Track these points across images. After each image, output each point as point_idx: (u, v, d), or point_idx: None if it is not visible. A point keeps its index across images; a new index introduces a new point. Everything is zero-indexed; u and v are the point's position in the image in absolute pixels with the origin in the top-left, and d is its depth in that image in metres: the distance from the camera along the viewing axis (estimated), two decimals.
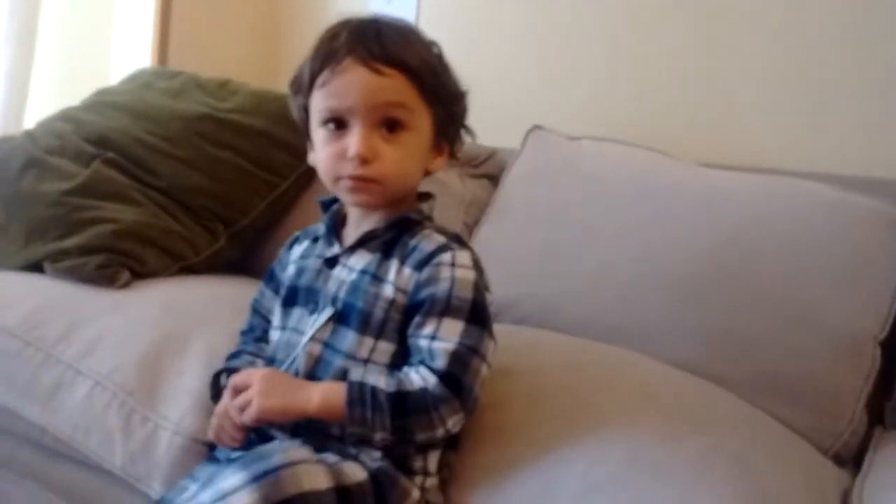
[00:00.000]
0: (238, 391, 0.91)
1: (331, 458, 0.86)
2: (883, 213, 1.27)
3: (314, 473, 0.80)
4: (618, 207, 1.38)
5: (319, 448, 0.87)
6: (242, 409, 0.89)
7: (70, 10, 1.97)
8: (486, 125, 1.60)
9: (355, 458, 0.87)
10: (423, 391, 0.84)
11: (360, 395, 0.84)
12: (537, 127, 1.63)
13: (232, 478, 0.78)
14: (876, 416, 1.23)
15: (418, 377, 0.86)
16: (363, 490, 0.84)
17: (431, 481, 0.90)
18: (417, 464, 0.89)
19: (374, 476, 0.85)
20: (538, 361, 1.11)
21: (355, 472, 0.84)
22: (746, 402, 1.13)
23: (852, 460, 1.16)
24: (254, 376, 0.90)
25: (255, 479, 0.77)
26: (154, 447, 1.05)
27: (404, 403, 0.84)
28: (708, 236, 1.29)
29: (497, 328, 1.22)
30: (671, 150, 1.50)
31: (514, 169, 1.59)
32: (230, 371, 1.02)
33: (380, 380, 0.86)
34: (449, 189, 1.60)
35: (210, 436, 0.97)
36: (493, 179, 1.66)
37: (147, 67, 1.89)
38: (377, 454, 0.87)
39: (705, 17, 1.68)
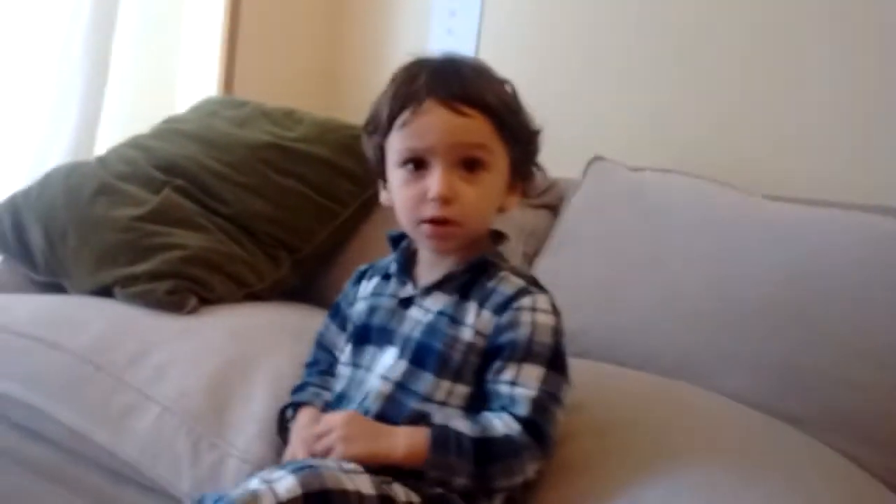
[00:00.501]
0: (319, 437, 0.89)
1: (385, 478, 0.84)
2: None
3: (359, 480, 0.80)
4: (682, 239, 1.37)
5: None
6: (324, 450, 0.87)
7: (139, 39, 2.02)
8: (545, 155, 1.61)
9: (414, 486, 0.85)
10: (508, 438, 0.84)
11: (444, 438, 0.84)
12: (598, 157, 1.62)
13: (279, 471, 0.79)
14: None
15: (502, 424, 0.85)
16: None
17: None
18: (482, 500, 0.87)
19: (431, 500, 0.84)
20: (604, 395, 1.09)
21: (408, 495, 0.83)
22: (818, 440, 1.10)
23: None
24: (334, 421, 0.88)
25: (297, 470, 0.78)
26: (221, 474, 1.05)
27: (489, 450, 0.84)
28: (774, 269, 1.26)
29: None
30: (734, 181, 1.48)
31: (575, 199, 1.58)
32: (297, 405, 1.02)
33: (462, 423, 0.85)
34: (509, 219, 1.57)
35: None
36: (553, 210, 1.65)
37: (214, 96, 1.93)
38: (438, 487, 0.86)
39: (772, 44, 1.66)
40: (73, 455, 1.22)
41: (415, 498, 0.84)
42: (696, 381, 1.19)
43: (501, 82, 0.96)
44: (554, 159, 1.67)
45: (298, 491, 0.75)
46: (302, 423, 0.98)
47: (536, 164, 1.01)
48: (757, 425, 1.09)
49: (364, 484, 0.80)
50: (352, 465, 0.83)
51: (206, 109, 1.73)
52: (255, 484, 0.77)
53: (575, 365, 1.24)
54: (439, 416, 0.87)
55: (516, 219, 1.61)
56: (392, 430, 0.87)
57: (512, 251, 1.54)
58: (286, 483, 0.76)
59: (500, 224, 1.55)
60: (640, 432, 0.99)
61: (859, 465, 1.10)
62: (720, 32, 1.72)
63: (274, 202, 1.52)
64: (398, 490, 0.83)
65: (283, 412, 1.05)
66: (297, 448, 0.94)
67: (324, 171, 1.55)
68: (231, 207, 1.49)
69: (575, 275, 1.43)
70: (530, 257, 1.57)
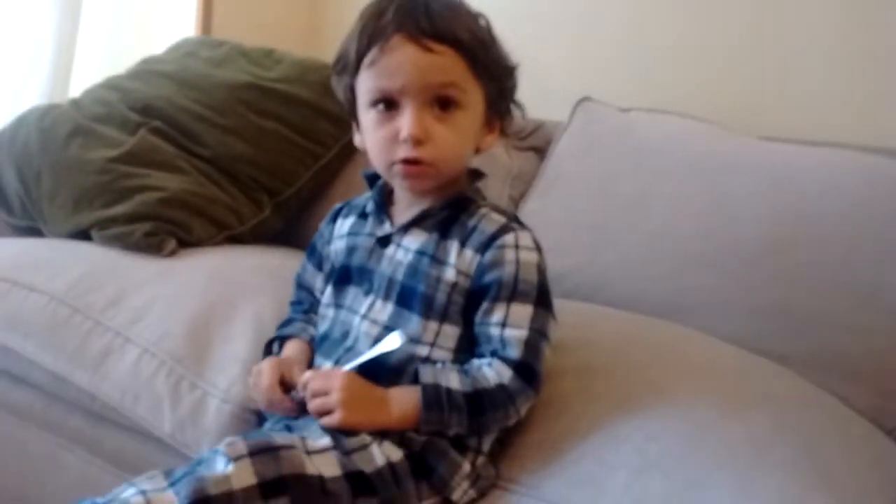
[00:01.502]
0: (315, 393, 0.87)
1: (362, 439, 0.83)
2: None
3: (323, 461, 0.79)
4: (671, 180, 1.35)
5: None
6: (322, 410, 0.85)
7: None
8: (532, 97, 1.58)
9: (398, 440, 0.84)
10: (500, 387, 0.84)
11: (436, 398, 0.83)
12: (586, 98, 1.59)
13: (236, 445, 0.78)
14: None
15: (492, 372, 0.84)
16: (392, 471, 0.82)
17: (482, 459, 0.88)
18: (471, 442, 0.87)
19: (420, 452, 0.84)
20: (588, 336, 1.08)
21: (388, 453, 0.82)
22: (806, 380, 1.10)
23: None
24: (334, 381, 0.85)
25: (255, 453, 0.77)
26: (202, 414, 1.04)
27: (482, 401, 0.84)
28: (766, 210, 1.25)
29: None
30: (728, 123, 1.46)
31: (563, 141, 1.55)
32: (282, 338, 1.01)
33: (452, 378, 0.84)
34: (495, 162, 1.57)
35: (262, 407, 0.95)
36: (540, 152, 1.63)
37: (191, 37, 1.88)
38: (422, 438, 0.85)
39: None
40: (55, 398, 1.22)
41: (395, 454, 0.83)
42: (684, 321, 1.18)
43: (474, 16, 0.92)
44: (540, 101, 1.66)
45: (253, 480, 0.75)
46: (283, 357, 0.97)
47: (514, 102, 0.97)
48: (746, 364, 1.09)
49: (328, 465, 0.79)
50: (319, 444, 0.81)
51: (183, 50, 1.69)
52: (205, 469, 0.76)
53: (561, 305, 1.23)
54: (427, 372, 0.85)
55: (503, 161, 1.59)
56: (386, 398, 0.85)
57: (496, 192, 1.53)
58: (241, 472, 0.75)
59: (486, 167, 1.54)
60: (624, 371, 0.98)
61: (847, 404, 1.10)
62: None
63: (254, 144, 1.49)
64: (375, 452, 0.82)
65: (268, 347, 1.03)
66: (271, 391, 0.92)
67: (304, 112, 1.52)
68: (210, 149, 1.47)
69: (562, 216, 1.42)
70: (517, 200, 1.55)
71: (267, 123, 1.51)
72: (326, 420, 0.84)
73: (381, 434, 0.84)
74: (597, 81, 1.73)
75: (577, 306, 1.24)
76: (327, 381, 0.85)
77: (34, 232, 1.46)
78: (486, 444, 0.88)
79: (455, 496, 0.85)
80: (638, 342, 1.07)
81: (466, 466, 0.86)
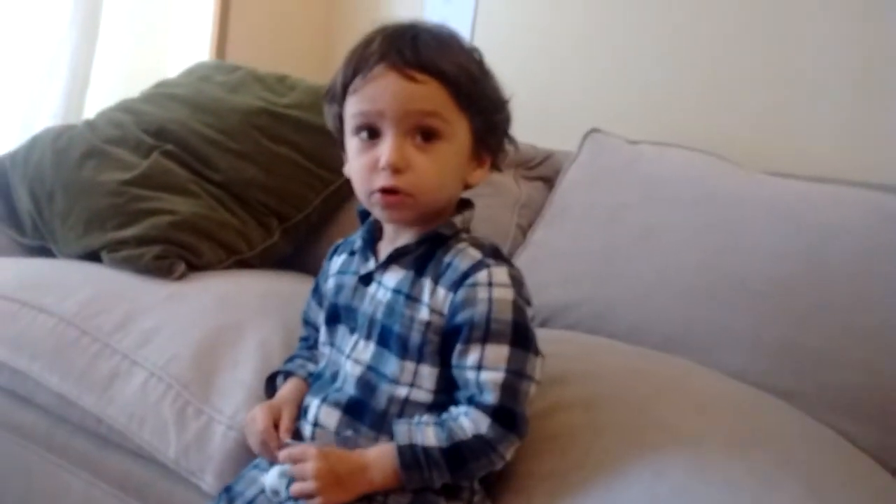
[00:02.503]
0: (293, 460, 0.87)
1: None
2: None
3: None
4: (678, 213, 1.35)
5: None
6: (302, 496, 0.84)
7: (131, 2, 1.99)
8: (542, 127, 1.60)
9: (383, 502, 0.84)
10: (478, 438, 0.82)
11: (413, 459, 0.82)
12: (595, 130, 1.60)
13: None
14: None
15: (469, 422, 0.82)
16: None
17: (478, 497, 0.88)
18: (463, 482, 0.86)
19: None
20: (594, 369, 1.08)
21: None
22: (811, 417, 1.10)
23: None
24: (308, 467, 0.84)
25: None
26: (208, 440, 1.04)
27: (461, 454, 0.82)
28: (772, 246, 1.25)
29: (551, 334, 1.21)
30: (732, 155, 1.46)
31: (571, 171, 1.56)
32: (286, 374, 1.02)
33: (428, 434, 0.83)
34: (503, 190, 1.59)
35: (255, 451, 0.96)
36: (549, 182, 1.64)
37: (206, 61, 1.90)
38: (409, 493, 0.85)
39: (774, 17, 1.64)
40: (60, 420, 1.22)
41: None
42: (689, 356, 1.18)
43: (467, 50, 0.91)
44: (550, 131, 1.68)
45: None
46: (276, 401, 0.98)
47: (508, 136, 0.96)
48: (748, 400, 1.08)
49: None
50: None
51: (197, 74, 1.71)
52: None
53: (567, 337, 1.25)
54: (402, 431, 0.84)
55: (511, 190, 1.60)
56: (364, 464, 0.84)
57: (505, 220, 1.54)
58: None
59: (495, 196, 1.56)
60: (629, 406, 0.98)
61: (852, 442, 1.09)
62: (717, 6, 1.69)
63: (265, 169, 1.50)
64: None
65: (272, 380, 1.04)
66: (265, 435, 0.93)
67: (317, 138, 1.53)
68: (222, 174, 1.48)
69: (569, 247, 1.42)
70: (524, 229, 1.56)
71: (279, 149, 1.52)
72: None
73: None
74: (606, 113, 1.75)
75: (583, 338, 1.25)
76: (304, 467, 0.84)
77: (45, 252, 1.47)
78: (478, 480, 0.88)
79: None
80: (644, 376, 1.07)
81: None
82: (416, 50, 0.86)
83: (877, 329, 1.16)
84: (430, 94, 0.86)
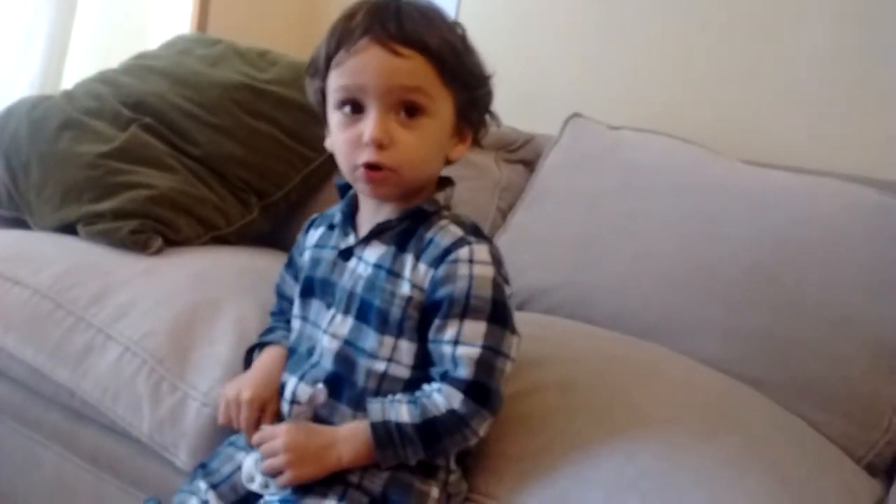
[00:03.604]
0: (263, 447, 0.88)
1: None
2: None
3: None
4: (657, 200, 1.36)
5: (324, 486, 0.85)
6: (273, 471, 0.85)
7: None
8: (524, 111, 1.59)
9: (357, 486, 0.85)
10: (451, 413, 0.82)
11: (387, 435, 0.83)
12: (577, 115, 1.60)
13: None
14: None
15: (442, 398, 0.83)
16: None
17: (454, 476, 0.89)
18: (439, 461, 0.87)
19: (382, 493, 0.84)
20: (571, 353, 1.09)
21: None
22: (780, 405, 1.11)
23: (885, 471, 1.14)
24: (277, 443, 0.85)
25: None
26: (182, 417, 1.04)
27: (434, 430, 0.82)
28: (748, 235, 1.26)
29: (530, 318, 1.22)
30: (712, 143, 1.47)
31: (552, 156, 1.57)
32: (262, 346, 1.01)
33: (402, 410, 0.83)
34: (484, 173, 1.59)
35: (221, 421, 0.96)
36: (530, 165, 1.64)
37: (186, 34, 1.88)
38: (385, 473, 0.85)
39: (755, 7, 1.65)
40: (33, 393, 1.21)
41: (362, 499, 0.84)
42: (665, 342, 1.20)
43: (448, 24, 0.91)
44: (532, 115, 1.67)
45: None
46: (262, 364, 0.98)
47: (490, 112, 0.95)
48: (720, 388, 1.10)
49: None
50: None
51: (178, 47, 1.68)
52: None
53: (545, 321, 1.25)
54: (375, 408, 0.84)
55: (492, 173, 1.60)
56: (334, 440, 0.85)
57: (485, 202, 1.54)
58: None
59: (476, 178, 1.56)
60: (604, 390, 0.99)
61: (819, 431, 1.11)
62: None
63: (245, 145, 1.49)
64: None
65: (249, 354, 1.03)
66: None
67: (298, 115, 1.52)
68: (201, 148, 1.46)
69: (548, 231, 1.43)
70: (504, 212, 1.56)
71: (259, 125, 1.51)
72: (280, 481, 0.85)
73: (343, 488, 0.84)
74: (588, 98, 1.75)
75: (561, 322, 1.26)
76: (273, 443, 0.86)
77: (20, 224, 1.45)
78: (453, 458, 0.88)
79: None
80: (619, 361, 1.08)
81: (435, 492, 0.86)
82: (400, 23, 0.85)
83: (847, 319, 1.18)
84: (414, 69, 0.85)
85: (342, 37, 0.86)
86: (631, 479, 0.85)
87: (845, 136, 1.56)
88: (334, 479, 0.84)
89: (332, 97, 0.89)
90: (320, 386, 0.89)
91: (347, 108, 0.88)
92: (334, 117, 0.90)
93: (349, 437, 0.85)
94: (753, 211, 1.29)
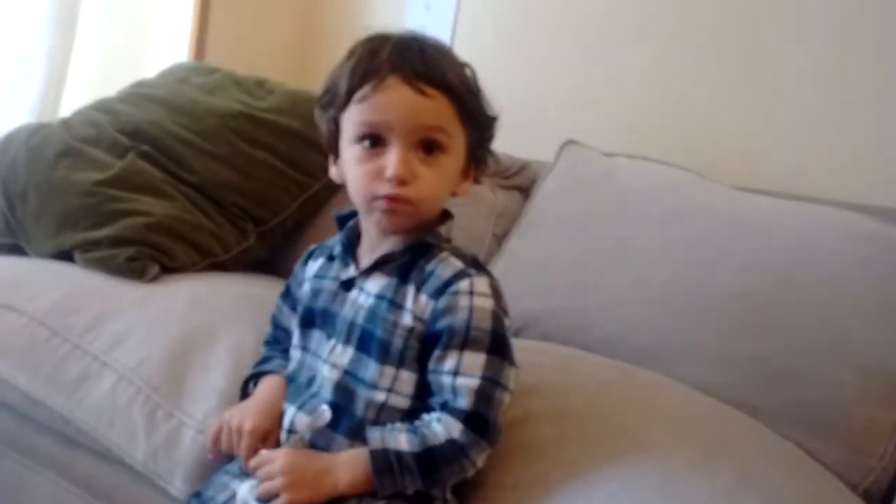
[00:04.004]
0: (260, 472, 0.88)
1: None
2: None
3: None
4: (652, 226, 1.37)
5: None
6: (269, 495, 0.85)
7: (110, 1, 1.98)
8: (519, 137, 1.60)
9: None
10: (451, 442, 0.83)
11: (385, 463, 0.83)
12: (571, 141, 1.62)
13: None
14: None
15: (441, 428, 0.83)
16: None
17: None
18: (435, 492, 0.87)
19: None
20: (566, 380, 1.09)
21: None
22: (775, 431, 1.11)
23: (881, 498, 1.14)
24: (275, 466, 0.86)
25: None
26: (177, 445, 1.04)
27: (433, 459, 0.83)
28: (742, 261, 1.27)
29: (525, 344, 1.22)
30: (705, 168, 1.49)
31: (547, 182, 1.57)
32: (258, 376, 1.01)
33: (401, 439, 0.84)
34: (479, 199, 1.59)
35: (211, 447, 0.97)
36: (525, 192, 1.65)
37: (184, 62, 1.89)
38: (380, 503, 0.85)
39: (747, 34, 1.66)
40: (28, 420, 1.21)
41: None
42: (660, 367, 1.20)
43: (462, 65, 0.93)
44: (527, 142, 1.69)
45: None
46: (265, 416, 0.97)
47: (490, 150, 0.98)
48: (714, 414, 1.10)
49: None
50: None
51: (175, 75, 1.70)
52: None
53: (539, 347, 1.25)
54: (375, 436, 0.85)
55: (487, 199, 1.61)
56: (332, 465, 0.85)
57: (481, 229, 1.54)
58: None
59: (471, 204, 1.57)
60: (599, 418, 0.99)
61: (815, 458, 1.11)
62: (700, 18, 1.72)
63: (242, 172, 1.50)
64: None
65: (245, 384, 1.03)
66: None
67: (294, 143, 1.53)
68: (198, 176, 1.47)
69: (543, 257, 1.43)
70: (500, 238, 1.57)
71: (256, 153, 1.52)
72: None
73: None
74: (583, 125, 1.76)
75: (556, 349, 1.26)
76: (271, 467, 0.86)
77: (17, 251, 1.45)
78: (450, 491, 0.88)
79: None
80: (613, 388, 1.08)
81: None
82: (425, 63, 0.87)
83: (840, 345, 1.18)
84: (438, 110, 0.88)
85: (368, 72, 0.88)
86: None
87: (838, 161, 1.57)
88: None
89: (352, 130, 0.90)
90: (324, 407, 0.89)
91: (367, 142, 0.89)
92: (351, 150, 0.91)
93: (347, 463, 0.85)
94: (746, 237, 1.30)
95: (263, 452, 0.89)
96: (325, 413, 0.89)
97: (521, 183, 1.67)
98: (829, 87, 1.58)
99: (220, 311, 1.21)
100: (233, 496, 0.90)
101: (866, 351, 1.17)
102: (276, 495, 0.84)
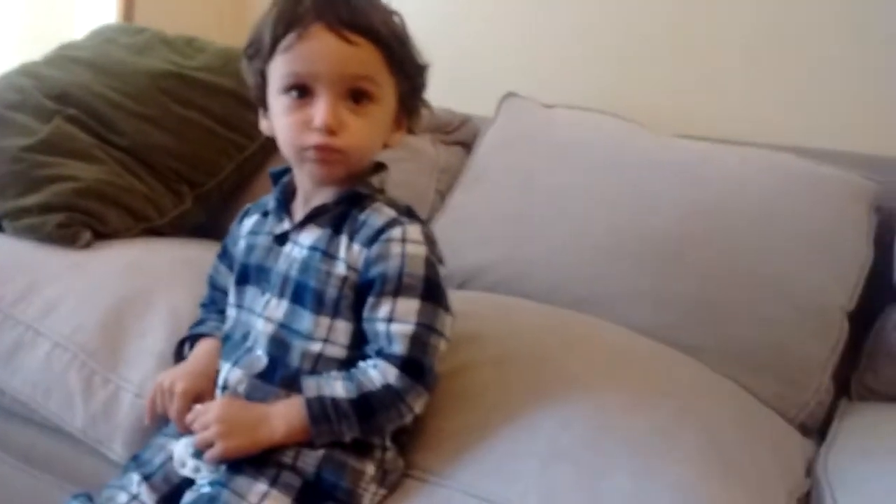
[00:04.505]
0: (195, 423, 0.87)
1: (261, 487, 0.82)
2: (855, 187, 1.29)
3: None
4: (590, 176, 1.38)
5: (256, 467, 0.84)
6: (204, 444, 0.85)
7: None
8: (459, 92, 1.59)
9: (291, 468, 0.84)
10: (386, 387, 0.83)
11: (322, 410, 0.82)
12: (511, 94, 1.61)
13: None
14: (842, 386, 1.24)
15: (377, 374, 0.84)
16: None
17: (390, 453, 0.89)
18: (375, 440, 0.87)
19: (315, 476, 0.84)
20: (506, 327, 1.10)
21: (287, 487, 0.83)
22: (714, 370, 1.14)
23: (818, 430, 1.17)
24: (210, 415, 0.85)
25: None
26: (115, 410, 1.03)
27: (369, 405, 0.83)
28: (679, 206, 1.29)
29: (465, 295, 1.23)
30: (647, 120, 1.49)
31: (488, 136, 1.57)
32: (193, 339, 1.00)
33: (337, 386, 0.84)
34: (422, 155, 1.58)
35: (148, 411, 0.96)
36: (467, 146, 1.64)
37: (111, 23, 1.83)
38: (318, 452, 0.84)
39: None
40: None
41: (294, 481, 0.83)
42: (601, 313, 1.21)
43: (390, 12, 0.92)
44: (468, 96, 1.68)
45: None
46: (194, 359, 0.97)
47: (423, 100, 0.97)
48: (655, 355, 1.12)
49: None
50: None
51: (102, 36, 1.64)
52: None
53: (482, 298, 1.26)
54: (310, 384, 0.85)
55: (429, 155, 1.60)
56: (267, 414, 0.85)
57: (423, 185, 1.54)
58: None
59: (414, 160, 1.56)
60: (538, 362, 1.00)
61: (752, 394, 1.14)
62: None
63: (175, 134, 1.46)
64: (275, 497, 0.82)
65: (180, 347, 1.02)
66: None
67: (228, 102, 1.49)
68: (128, 139, 1.43)
69: (485, 210, 1.43)
70: (443, 194, 1.56)
71: (189, 113, 1.48)
72: (209, 454, 0.84)
73: (276, 469, 0.83)
74: (523, 77, 1.75)
75: (498, 298, 1.26)
76: (205, 417, 0.85)
77: None
78: (388, 436, 0.88)
79: (364, 503, 0.85)
80: (554, 333, 1.09)
81: (370, 469, 0.86)
82: (351, 10, 0.86)
83: (776, 284, 1.21)
84: (365, 58, 0.86)
85: (291, 21, 0.86)
86: (564, 448, 0.86)
87: (777, 108, 1.59)
88: (267, 461, 0.84)
89: (279, 82, 0.89)
90: (259, 352, 0.89)
91: (295, 93, 0.88)
92: (279, 101, 0.90)
93: (283, 412, 0.85)
94: (684, 183, 1.31)
95: (198, 406, 0.88)
96: (261, 359, 0.88)
97: (463, 138, 1.66)
98: (767, 35, 1.60)
99: (156, 275, 1.19)
100: (170, 457, 0.89)
101: (801, 288, 1.21)
102: (210, 444, 0.84)
